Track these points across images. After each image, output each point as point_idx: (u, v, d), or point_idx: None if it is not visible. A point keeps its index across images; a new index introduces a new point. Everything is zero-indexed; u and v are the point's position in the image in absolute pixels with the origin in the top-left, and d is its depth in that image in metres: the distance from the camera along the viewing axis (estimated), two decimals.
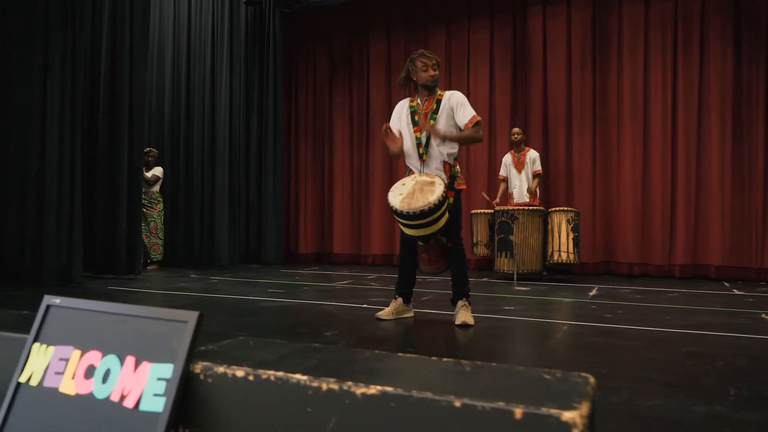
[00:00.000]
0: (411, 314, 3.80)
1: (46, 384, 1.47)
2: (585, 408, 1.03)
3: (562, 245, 6.24)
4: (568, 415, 1.00)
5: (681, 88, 6.94)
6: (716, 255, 6.67)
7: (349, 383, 1.15)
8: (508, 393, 1.09)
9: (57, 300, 1.59)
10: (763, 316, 4.05)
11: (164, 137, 7.81)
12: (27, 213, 5.21)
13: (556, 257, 6.26)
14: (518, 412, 1.02)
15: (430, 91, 3.62)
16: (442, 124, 3.55)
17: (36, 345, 1.53)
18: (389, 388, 1.12)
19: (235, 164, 8.15)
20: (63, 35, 5.43)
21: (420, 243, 3.61)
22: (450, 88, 3.80)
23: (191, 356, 1.31)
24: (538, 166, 6.74)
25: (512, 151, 6.77)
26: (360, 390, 1.14)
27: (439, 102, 3.59)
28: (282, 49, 8.84)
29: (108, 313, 1.48)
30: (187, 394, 1.30)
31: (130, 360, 1.38)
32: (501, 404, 1.04)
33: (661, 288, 5.83)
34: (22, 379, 1.50)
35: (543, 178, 7.05)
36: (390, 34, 8.54)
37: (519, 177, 6.70)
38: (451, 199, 3.47)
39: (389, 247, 8.45)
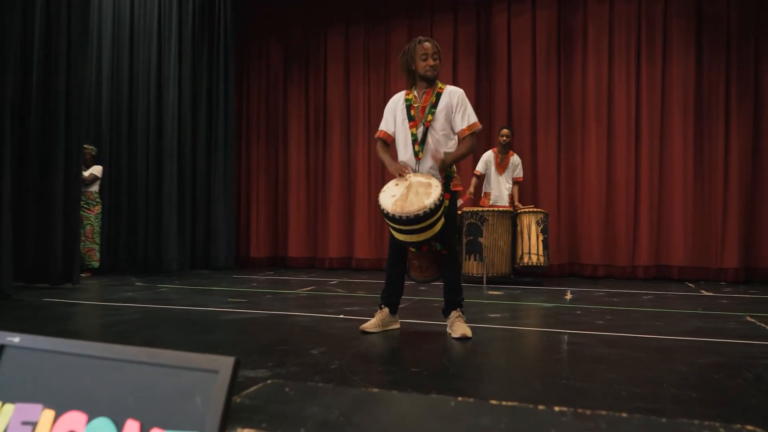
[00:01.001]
0: (397, 326, 3.49)
1: None
2: None
3: (532, 247, 6.09)
4: None
5: (644, 88, 6.95)
6: (679, 256, 6.72)
7: None
8: None
9: (15, 338, 1.17)
10: (748, 318, 3.98)
11: (103, 132, 7.17)
12: None
13: (526, 259, 6.10)
14: None
15: (430, 83, 3.31)
16: (439, 121, 3.26)
17: None
18: None
19: (183, 162, 7.58)
20: None
21: (412, 249, 3.31)
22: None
23: (226, 420, 0.95)
24: (519, 173, 6.57)
25: (495, 150, 6.54)
26: None
27: (439, 96, 3.28)
28: (233, 40, 8.31)
29: (95, 357, 1.09)
30: None
31: (132, 426, 0.99)
32: None
33: (631, 290, 5.77)
34: None
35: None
36: (349, 27, 8.19)
37: (499, 179, 6.50)
38: (447, 202, 3.17)
39: (347, 251, 8.10)
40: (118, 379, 1.04)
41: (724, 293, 5.57)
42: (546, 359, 2.75)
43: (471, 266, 6.14)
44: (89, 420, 1.03)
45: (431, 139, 3.29)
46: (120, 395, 1.03)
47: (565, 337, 3.25)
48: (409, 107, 3.34)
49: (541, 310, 4.38)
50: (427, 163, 3.31)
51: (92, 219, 6.69)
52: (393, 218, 3.03)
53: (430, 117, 3.28)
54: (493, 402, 1.10)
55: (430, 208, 2.98)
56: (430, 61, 3.25)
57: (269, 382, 1.24)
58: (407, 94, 3.38)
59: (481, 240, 6.03)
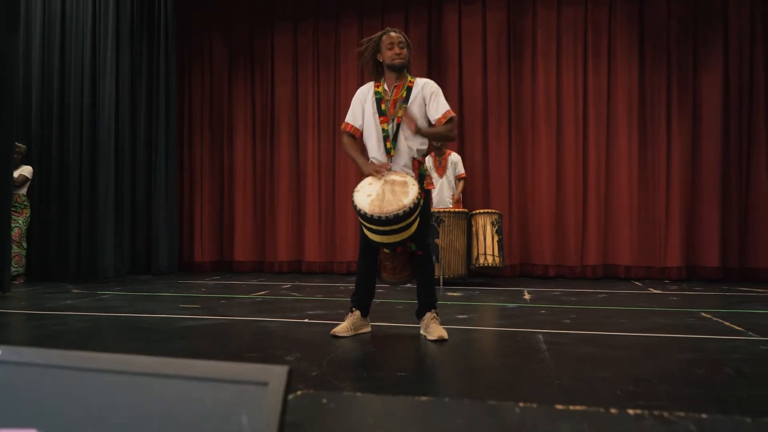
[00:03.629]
0: (368, 329, 3.35)
1: None
2: None
3: (488, 248, 6.10)
4: None
5: (591, 92, 7.13)
6: (625, 255, 6.91)
7: None
8: None
9: None
10: (703, 314, 4.10)
11: (32, 130, 6.66)
12: None
13: (482, 261, 6.10)
14: None
15: (398, 74, 3.19)
16: (413, 113, 3.15)
17: None
18: None
19: (120, 161, 7.14)
20: None
21: (386, 250, 3.19)
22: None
23: None
24: (461, 169, 6.58)
25: (432, 154, 6.53)
26: None
27: (410, 90, 3.17)
28: (174, 35, 7.92)
29: (105, 371, 0.91)
30: None
31: None
32: None
33: (584, 289, 5.87)
34: None
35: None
36: (297, 24, 7.98)
37: (440, 181, 6.49)
38: (422, 201, 3.07)
39: (296, 253, 7.87)
40: (138, 398, 0.87)
41: (671, 291, 5.75)
42: (531, 359, 2.69)
43: None
44: None
45: (403, 135, 3.19)
46: (140, 418, 0.85)
47: (540, 336, 3.22)
48: (379, 101, 3.21)
49: (505, 311, 4.35)
50: (400, 160, 3.20)
51: (20, 222, 6.20)
52: (371, 219, 2.90)
53: (401, 112, 3.17)
54: (559, 406, 1.00)
55: (410, 207, 2.88)
56: (396, 49, 3.13)
57: (299, 393, 1.09)
58: (376, 86, 3.25)
59: (437, 241, 5.98)
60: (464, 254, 6.15)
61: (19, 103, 6.33)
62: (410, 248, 3.18)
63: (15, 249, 6.07)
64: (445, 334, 3.09)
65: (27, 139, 6.53)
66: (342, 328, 3.22)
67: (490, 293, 5.48)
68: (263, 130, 8.10)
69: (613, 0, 7.10)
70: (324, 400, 1.05)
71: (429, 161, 6.53)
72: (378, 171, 3.10)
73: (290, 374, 0.83)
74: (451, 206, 6.46)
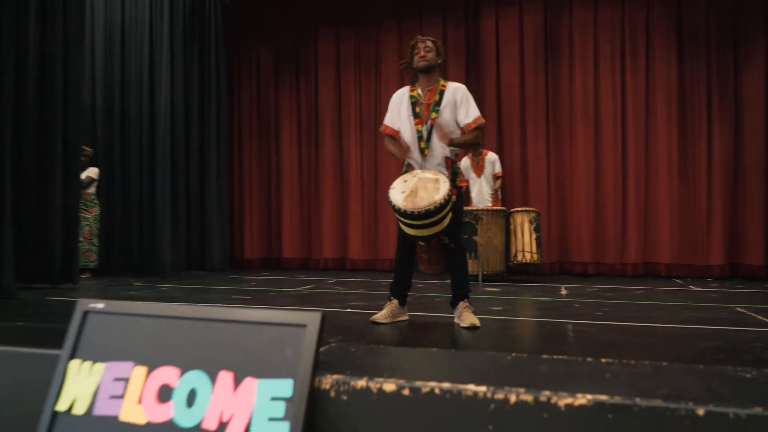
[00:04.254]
0: (406, 317, 3.59)
1: (97, 412, 1.14)
2: None
3: (526, 245, 6.23)
4: None
5: (629, 92, 7.16)
6: (666, 253, 6.91)
7: (547, 393, 0.93)
8: (748, 395, 0.91)
9: (99, 305, 1.26)
10: (738, 309, 4.15)
11: (97, 135, 7.17)
12: None
13: (519, 257, 6.24)
14: None
15: (429, 78, 3.42)
16: (445, 117, 3.37)
17: (75, 362, 1.20)
18: (604, 397, 0.91)
19: (177, 164, 7.60)
20: None
21: (421, 243, 3.41)
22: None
23: (317, 368, 1.04)
24: (498, 169, 6.72)
25: (470, 154, 6.69)
26: (564, 401, 0.92)
27: (442, 93, 3.40)
28: (224, 44, 8.37)
29: (181, 318, 1.18)
30: (313, 417, 1.03)
31: (225, 377, 1.09)
32: (759, 410, 0.86)
33: (622, 286, 5.93)
34: (61, 407, 1.16)
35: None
36: (339, 30, 8.29)
37: (478, 181, 6.64)
38: (454, 197, 3.28)
39: (341, 251, 8.18)
40: (209, 337, 1.13)
41: (712, 288, 5.76)
42: (555, 343, 2.87)
43: None
44: (182, 373, 1.12)
45: (436, 136, 3.41)
46: (211, 350, 1.12)
47: (569, 325, 3.38)
48: (414, 104, 3.45)
49: (539, 304, 4.51)
50: (434, 159, 3.42)
51: (90, 220, 6.69)
52: (404, 213, 3.13)
53: (434, 115, 3.39)
54: (545, 356, 1.21)
55: (440, 203, 3.08)
56: (422, 53, 3.36)
57: (333, 344, 1.34)
58: (411, 91, 3.49)
59: (475, 239, 6.16)
60: (502, 251, 6.31)
61: (85, 111, 6.85)
62: (443, 241, 3.39)
63: (86, 245, 6.57)
64: (477, 322, 3.29)
65: (92, 143, 7.04)
66: (381, 315, 3.47)
67: (527, 289, 5.62)
68: (308, 132, 8.44)
69: (650, 0, 7.11)
70: (352, 349, 1.29)
71: (466, 161, 6.70)
72: (405, 155, 3.35)
73: (323, 318, 1.07)
74: (490, 205, 6.62)
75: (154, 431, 1.09)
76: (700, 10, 6.96)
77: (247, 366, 1.08)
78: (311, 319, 1.07)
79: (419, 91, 3.47)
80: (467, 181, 3.66)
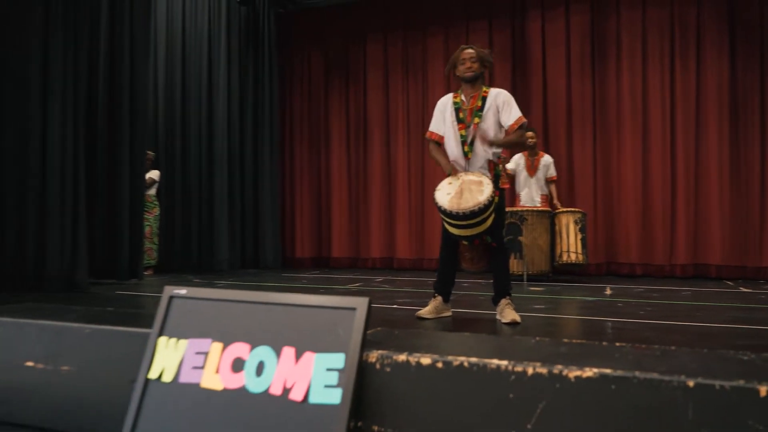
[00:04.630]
0: (449, 313, 3.75)
1: (182, 380, 1.37)
2: None
3: (571, 246, 6.28)
4: None
5: (679, 92, 7.08)
6: (716, 255, 6.81)
7: (559, 367, 1.10)
8: (748, 372, 1.05)
9: (182, 291, 1.49)
10: None
11: (158, 139, 7.61)
12: (27, 218, 4.96)
13: (565, 258, 6.29)
14: (764, 390, 0.99)
15: (473, 85, 3.58)
16: (488, 122, 3.52)
17: (163, 339, 1.43)
18: (608, 371, 1.07)
19: (232, 167, 7.99)
20: (64, 30, 5.21)
21: (464, 242, 3.56)
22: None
23: (365, 344, 1.23)
24: (552, 172, 6.69)
25: (525, 153, 6.73)
26: (573, 373, 1.08)
27: (484, 99, 3.55)
28: (277, 51, 8.72)
29: (251, 302, 1.39)
30: (361, 385, 1.23)
31: (288, 351, 1.29)
32: (741, 382, 1.00)
33: (670, 287, 5.91)
34: (152, 375, 1.40)
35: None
36: (387, 35, 8.51)
37: (529, 181, 6.67)
38: (497, 198, 3.42)
39: (388, 250, 8.38)
40: (274, 317, 1.34)
41: (764, 290, 5.67)
42: (591, 338, 2.97)
43: (511, 264, 6.32)
44: (252, 348, 1.33)
45: (479, 139, 3.55)
46: (276, 329, 1.32)
47: (609, 323, 3.47)
48: (457, 110, 3.61)
49: (582, 303, 4.59)
50: (477, 162, 3.57)
51: (151, 220, 7.11)
52: (449, 214, 3.29)
53: (477, 120, 3.54)
54: (566, 340, 1.36)
55: (484, 204, 3.23)
56: (468, 64, 3.50)
57: (379, 329, 1.53)
58: (455, 97, 3.65)
59: (520, 239, 6.24)
60: (548, 252, 6.37)
61: (149, 116, 7.29)
62: (486, 240, 3.54)
63: (147, 244, 6.99)
64: (517, 318, 3.42)
65: (154, 147, 7.47)
66: (426, 311, 3.65)
67: (572, 288, 5.68)
68: (357, 135, 8.69)
69: None
70: (396, 332, 1.48)
71: (522, 160, 6.72)
72: (454, 170, 3.49)
73: (370, 302, 1.26)
74: (538, 206, 6.65)
75: (229, 396, 1.30)
76: (754, 7, 6.83)
77: (306, 342, 1.28)
78: (360, 303, 1.26)
79: (462, 97, 3.63)
80: (509, 183, 3.78)
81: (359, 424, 1.22)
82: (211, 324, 1.40)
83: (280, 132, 8.95)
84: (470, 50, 3.56)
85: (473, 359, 1.15)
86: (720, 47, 6.95)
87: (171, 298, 1.48)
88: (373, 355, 1.22)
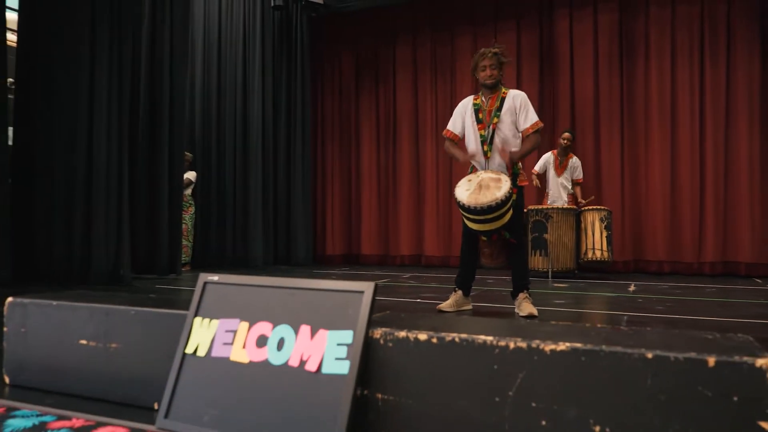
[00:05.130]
0: (470, 307, 3.89)
1: (214, 354, 1.57)
2: None
3: (596, 243, 6.34)
4: (761, 362, 1.10)
5: (708, 89, 7.05)
6: (746, 252, 6.76)
7: (537, 341, 1.25)
8: (696, 347, 1.19)
9: (215, 277, 1.69)
10: None
11: (195, 141, 7.93)
12: (74, 214, 5.30)
13: (590, 255, 6.36)
14: (711, 360, 1.13)
15: (492, 89, 3.72)
16: (505, 123, 3.65)
17: (198, 319, 1.64)
18: (579, 344, 1.22)
19: (266, 167, 8.27)
20: (110, 36, 5.53)
21: (483, 238, 3.71)
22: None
23: (370, 323, 1.41)
24: (579, 175, 6.78)
25: (555, 152, 6.81)
26: (549, 347, 1.24)
27: (503, 100, 3.68)
28: (309, 53, 8.98)
29: (273, 287, 1.58)
30: (367, 358, 1.40)
31: (305, 329, 1.48)
32: (693, 354, 1.14)
33: (697, 284, 5.91)
34: (189, 350, 1.60)
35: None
36: (416, 37, 8.67)
37: (557, 180, 6.76)
38: (515, 196, 3.56)
39: (417, 248, 8.54)
40: (293, 300, 1.53)
41: None
42: None
43: (537, 261, 6.45)
44: (274, 327, 1.52)
45: (498, 138, 3.69)
46: (294, 310, 1.51)
47: (625, 317, 3.57)
48: (477, 111, 3.75)
49: (603, 298, 4.67)
50: (496, 160, 3.71)
51: (187, 219, 7.42)
52: (467, 209, 3.44)
53: (496, 119, 3.68)
54: (553, 322, 1.51)
55: (501, 200, 3.37)
56: (488, 71, 3.64)
57: (388, 312, 1.70)
58: (475, 99, 3.80)
59: (546, 236, 6.33)
60: (573, 249, 6.44)
61: (187, 119, 7.62)
62: (504, 236, 3.67)
63: (183, 242, 7.31)
64: (534, 311, 3.55)
65: (191, 148, 7.79)
66: (446, 304, 3.80)
67: (596, 285, 5.74)
68: (386, 135, 8.88)
69: None
70: (402, 315, 1.65)
71: (550, 158, 6.81)
72: (470, 161, 3.64)
73: (376, 287, 1.44)
74: (564, 204, 6.72)
75: (254, 368, 1.50)
76: None
77: (321, 321, 1.46)
78: (367, 287, 1.44)
79: (482, 98, 3.77)
80: (528, 181, 3.91)
81: (365, 392, 1.40)
82: (238, 306, 1.60)
83: (312, 132, 9.20)
84: (489, 57, 3.67)
85: (463, 335, 1.31)
86: (751, 43, 6.89)
87: (205, 283, 1.68)
88: (378, 332, 1.40)
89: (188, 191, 7.50)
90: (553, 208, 6.41)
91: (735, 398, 1.10)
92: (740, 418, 1.10)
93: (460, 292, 3.83)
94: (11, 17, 5.58)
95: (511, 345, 1.26)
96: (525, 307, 3.59)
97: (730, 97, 6.98)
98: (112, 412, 1.67)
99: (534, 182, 6.79)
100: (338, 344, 1.41)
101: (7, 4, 5.44)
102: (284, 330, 1.50)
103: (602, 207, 6.56)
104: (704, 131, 7.08)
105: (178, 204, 6.43)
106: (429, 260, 8.38)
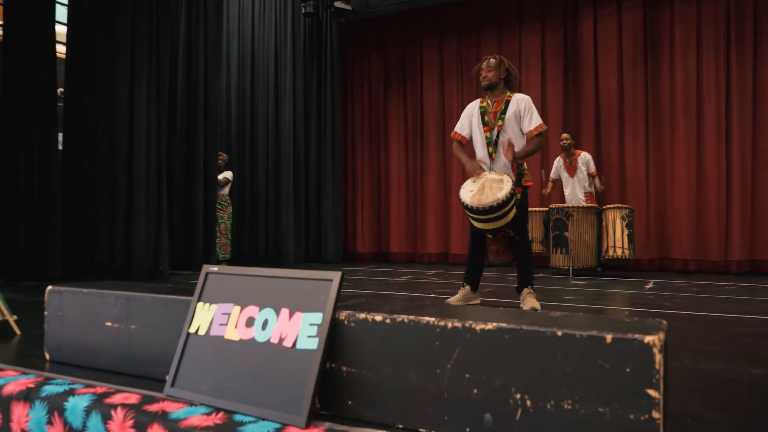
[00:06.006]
0: (478, 301, 4.08)
1: (212, 333, 1.84)
2: (662, 336, 1.31)
3: (617, 241, 6.40)
4: (649, 338, 1.29)
5: (735, 86, 7.00)
6: None
7: (470, 321, 1.47)
8: (598, 326, 1.38)
9: (215, 269, 1.96)
10: None
11: (230, 143, 8.32)
12: (117, 215, 5.72)
13: (611, 253, 6.42)
14: (609, 337, 1.32)
15: (493, 92, 3.90)
16: (509, 125, 3.83)
17: (200, 304, 1.91)
18: (503, 324, 1.43)
19: (297, 168, 8.60)
20: (148, 46, 5.93)
21: (489, 236, 3.89)
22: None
23: (337, 306, 1.65)
24: (592, 168, 6.87)
25: (562, 155, 6.93)
26: (479, 326, 1.45)
27: (507, 103, 3.86)
28: (339, 58, 9.28)
29: (261, 276, 1.84)
30: (334, 335, 1.64)
31: (284, 311, 1.73)
32: (594, 332, 1.34)
33: (719, 282, 5.91)
34: (192, 330, 1.87)
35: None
36: (442, 40, 8.85)
37: (572, 181, 6.86)
38: (519, 195, 3.73)
39: (444, 246, 8.73)
40: (276, 287, 1.78)
41: None
42: None
43: (557, 259, 6.56)
44: (260, 310, 1.77)
45: (502, 140, 3.87)
46: (277, 295, 1.76)
47: (626, 311, 3.69)
48: (483, 113, 3.95)
49: (615, 295, 4.77)
50: (500, 161, 3.89)
51: (225, 218, 7.82)
52: (471, 209, 3.64)
53: (500, 122, 3.86)
54: (502, 308, 1.72)
55: (503, 200, 3.55)
56: (483, 73, 3.86)
57: (363, 299, 1.94)
58: (481, 102, 3.99)
59: (566, 234, 6.43)
60: (594, 247, 6.51)
61: (222, 122, 8.03)
62: (509, 234, 3.86)
63: (223, 240, 7.71)
64: (537, 306, 3.72)
65: (227, 150, 8.19)
66: (454, 299, 4.01)
67: (614, 282, 5.82)
68: (414, 136, 9.09)
69: None
70: (374, 301, 1.88)
71: (559, 161, 6.95)
72: (475, 173, 3.82)
73: (343, 275, 1.67)
74: (583, 203, 6.82)
75: (243, 345, 1.75)
76: None
77: (297, 305, 1.71)
78: (335, 276, 1.68)
79: (488, 101, 3.96)
80: (532, 182, 4.07)
81: (333, 365, 1.64)
82: (233, 292, 1.86)
83: (342, 134, 9.49)
84: (485, 63, 3.87)
85: (411, 317, 1.54)
86: None
87: (207, 273, 1.95)
88: (343, 314, 1.64)
89: (226, 190, 7.88)
90: (573, 207, 6.50)
91: (628, 369, 1.29)
92: (632, 386, 1.29)
93: (467, 287, 4.02)
94: (60, 30, 6.05)
95: (449, 325, 1.48)
96: (529, 301, 3.76)
97: (757, 94, 6.91)
98: (130, 383, 1.96)
99: (546, 189, 6.95)
100: (310, 324, 1.65)
101: (57, 18, 5.91)
102: (268, 312, 1.75)
103: (624, 205, 6.61)
104: (730, 129, 7.03)
105: (212, 203, 6.81)
106: (455, 258, 8.55)
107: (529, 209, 7.03)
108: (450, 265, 8.34)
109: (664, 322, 1.52)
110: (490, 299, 4.26)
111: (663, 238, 7.31)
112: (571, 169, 6.85)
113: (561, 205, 6.57)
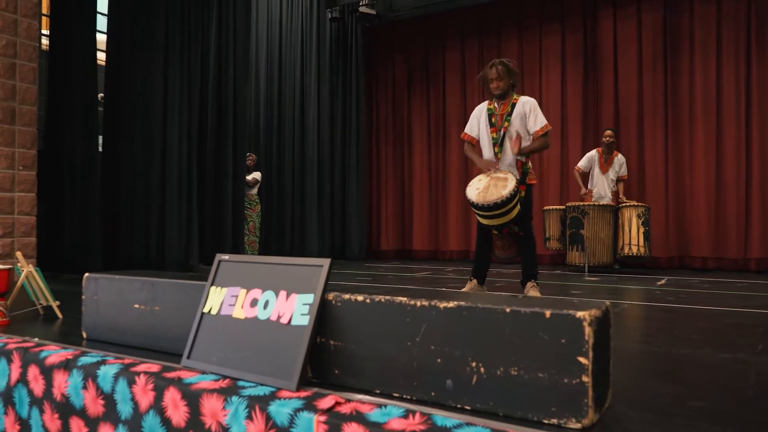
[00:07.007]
0: None
1: (222, 313, 2.11)
2: (594, 312, 1.52)
3: (633, 239, 6.50)
4: (580, 314, 1.50)
5: (755, 86, 7.00)
6: None
7: (435, 300, 1.70)
8: (541, 305, 1.60)
9: (226, 257, 2.23)
10: None
11: (258, 144, 8.67)
12: (151, 212, 6.10)
13: (626, 250, 6.52)
14: (548, 313, 1.54)
15: (501, 97, 4.10)
16: (515, 126, 4.02)
17: (213, 288, 2.19)
18: (462, 303, 1.66)
19: (322, 168, 8.91)
20: (180, 53, 6.30)
21: (494, 231, 4.10)
22: (523, 92, 4.26)
23: (326, 288, 1.90)
24: (624, 172, 6.97)
25: (600, 150, 7.02)
26: (442, 304, 1.68)
27: (513, 106, 4.06)
28: (363, 61, 9.54)
29: (264, 263, 2.11)
30: (323, 313, 1.89)
31: (282, 293, 1.99)
32: (536, 309, 1.56)
33: (735, 280, 5.96)
34: (206, 310, 2.15)
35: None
36: (464, 41, 9.03)
37: (602, 177, 6.95)
38: (523, 193, 3.93)
39: (466, 244, 8.91)
40: (276, 272, 2.04)
41: None
42: None
43: (574, 256, 6.69)
44: (263, 292, 2.04)
45: (508, 141, 4.07)
46: (276, 279, 2.03)
47: (625, 305, 3.85)
48: (490, 115, 4.15)
49: (622, 290, 4.90)
50: (506, 161, 4.09)
51: (254, 217, 8.17)
52: (476, 206, 3.85)
53: (506, 123, 4.06)
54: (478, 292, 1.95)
55: (507, 197, 3.75)
56: (495, 83, 4.02)
57: (353, 283, 2.18)
58: (489, 104, 4.19)
59: (582, 232, 6.56)
60: (609, 244, 6.62)
61: (251, 125, 8.39)
62: (513, 230, 4.05)
63: (252, 237, 8.06)
64: (539, 297, 3.90)
65: (255, 151, 8.54)
66: (461, 291, 4.22)
67: (627, 279, 5.93)
68: (437, 136, 9.30)
69: None
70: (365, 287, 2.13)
71: (595, 155, 7.04)
72: (488, 167, 4.03)
73: (331, 262, 1.92)
74: (609, 201, 6.89)
75: (248, 323, 2.02)
76: None
77: (294, 287, 1.96)
78: (325, 262, 1.93)
79: (495, 104, 4.16)
80: (536, 180, 4.25)
81: (322, 339, 1.89)
82: (241, 277, 2.13)
83: (367, 135, 9.76)
84: (495, 70, 4.06)
85: (387, 297, 1.78)
86: None
87: (219, 261, 2.23)
88: (331, 295, 1.89)
89: (254, 190, 8.24)
90: (588, 205, 6.62)
91: (563, 340, 1.51)
92: (566, 354, 1.51)
93: (475, 281, 4.23)
94: (101, 38, 6.45)
95: (418, 304, 1.72)
96: (531, 293, 3.95)
97: None
98: (154, 357, 2.25)
99: (578, 178, 7.05)
100: (303, 304, 1.90)
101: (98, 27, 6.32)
102: (269, 294, 2.02)
103: (640, 203, 6.69)
104: (750, 128, 7.03)
105: (240, 201, 7.15)
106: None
107: (547, 208, 7.23)
108: (470, 262, 8.44)
109: (608, 303, 1.72)
110: (498, 293, 4.45)
111: (682, 236, 7.35)
112: (606, 165, 6.94)
113: (577, 204, 6.69)
